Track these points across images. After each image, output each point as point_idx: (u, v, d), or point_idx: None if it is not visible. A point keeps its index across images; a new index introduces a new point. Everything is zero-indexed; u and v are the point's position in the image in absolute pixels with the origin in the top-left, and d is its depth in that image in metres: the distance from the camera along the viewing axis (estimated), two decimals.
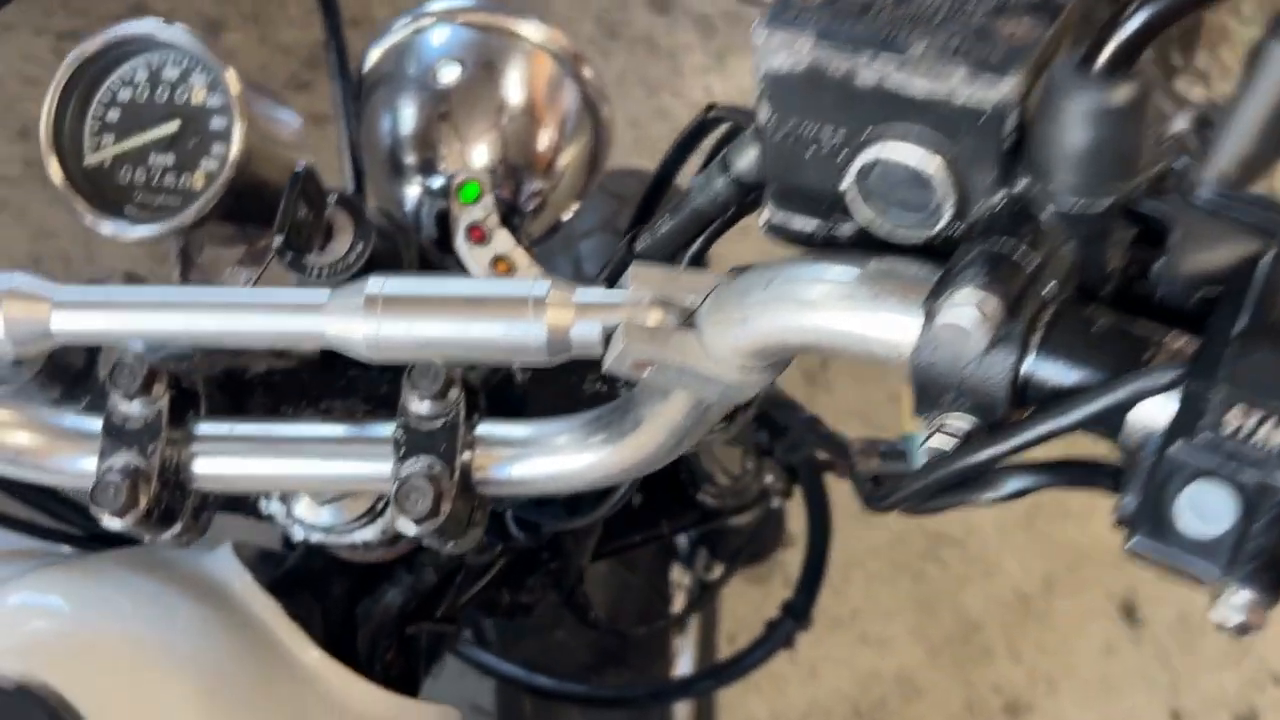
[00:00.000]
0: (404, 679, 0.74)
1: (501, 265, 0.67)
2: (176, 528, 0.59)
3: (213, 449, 0.59)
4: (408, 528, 0.55)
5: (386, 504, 0.63)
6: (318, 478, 0.59)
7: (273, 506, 0.64)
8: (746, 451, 0.88)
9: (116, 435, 0.58)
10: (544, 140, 0.84)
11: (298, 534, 0.64)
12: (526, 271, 0.67)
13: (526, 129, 0.82)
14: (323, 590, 0.71)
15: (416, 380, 0.56)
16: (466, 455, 0.56)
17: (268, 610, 0.68)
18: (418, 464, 0.55)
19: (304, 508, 0.63)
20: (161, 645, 0.62)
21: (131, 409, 0.58)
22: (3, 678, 0.56)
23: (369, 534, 0.64)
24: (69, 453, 0.59)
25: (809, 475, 0.91)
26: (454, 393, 0.56)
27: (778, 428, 0.87)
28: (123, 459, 0.57)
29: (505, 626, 1.17)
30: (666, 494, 0.92)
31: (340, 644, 0.70)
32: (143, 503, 0.56)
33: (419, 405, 0.56)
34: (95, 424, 0.59)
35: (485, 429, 0.58)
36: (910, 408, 0.96)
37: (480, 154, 0.78)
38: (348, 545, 0.64)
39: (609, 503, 0.64)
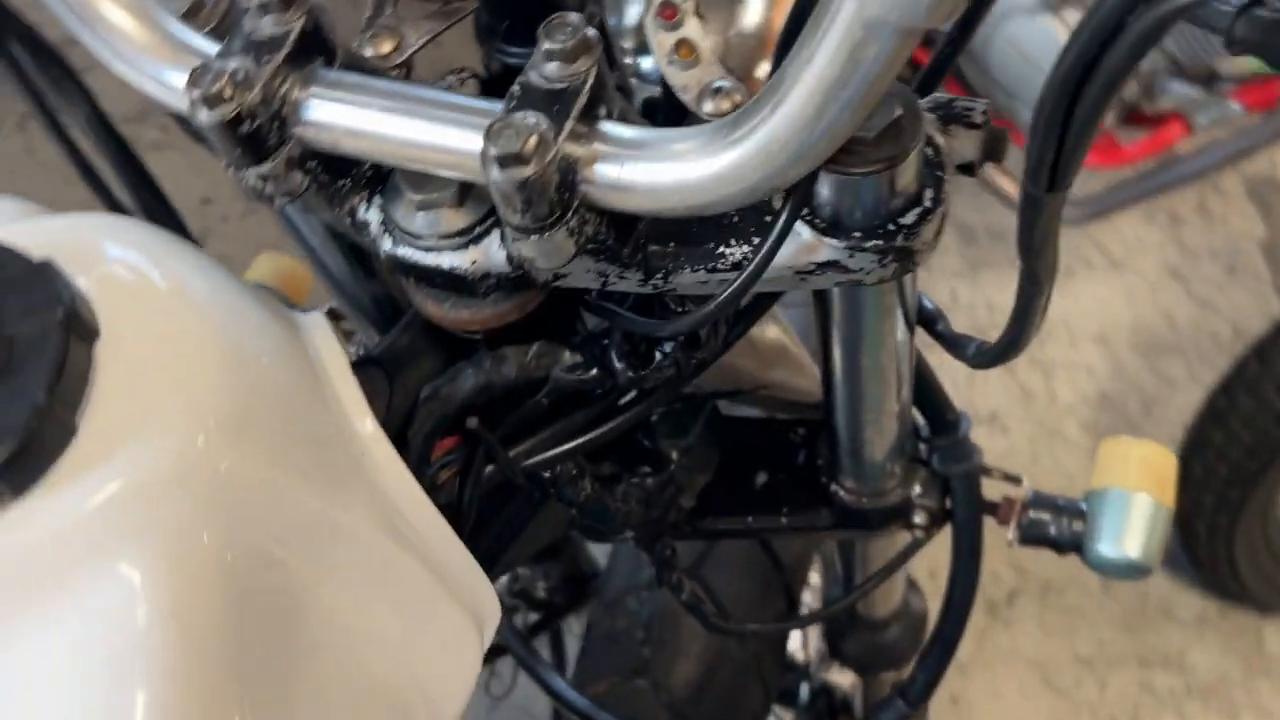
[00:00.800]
0: (452, 518, 0.64)
1: (685, 52, 0.61)
2: (265, 167, 0.55)
3: (325, 95, 0.55)
4: (492, 170, 0.49)
5: (485, 231, 0.57)
6: (422, 143, 0.54)
7: (370, 212, 0.59)
8: (897, 454, 0.77)
9: (237, 42, 0.54)
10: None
11: (386, 245, 0.58)
12: (710, 68, 0.61)
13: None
14: (398, 367, 0.64)
15: (552, 31, 0.52)
16: (574, 148, 0.51)
17: (336, 365, 0.61)
18: (525, 116, 0.50)
19: (400, 211, 0.57)
20: (212, 319, 0.56)
21: (261, 23, 0.55)
22: (35, 255, 0.51)
23: (459, 260, 0.57)
24: (174, 61, 0.56)
25: (966, 498, 0.77)
26: (584, 61, 0.52)
27: (941, 421, 0.76)
28: (235, 61, 0.53)
29: (584, 658, 1.05)
30: (795, 479, 0.80)
31: (396, 436, 0.62)
32: (234, 104, 0.52)
33: (545, 66, 0.52)
34: (214, 49, 0.56)
35: (605, 125, 0.52)
36: (1099, 469, 0.83)
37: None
38: (434, 269, 0.57)
39: (720, 298, 0.55)
